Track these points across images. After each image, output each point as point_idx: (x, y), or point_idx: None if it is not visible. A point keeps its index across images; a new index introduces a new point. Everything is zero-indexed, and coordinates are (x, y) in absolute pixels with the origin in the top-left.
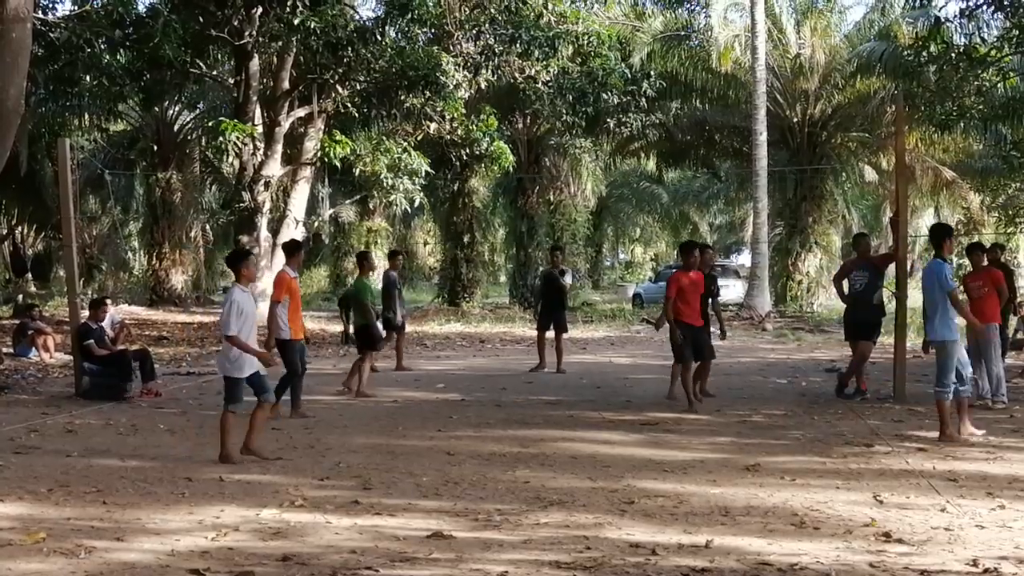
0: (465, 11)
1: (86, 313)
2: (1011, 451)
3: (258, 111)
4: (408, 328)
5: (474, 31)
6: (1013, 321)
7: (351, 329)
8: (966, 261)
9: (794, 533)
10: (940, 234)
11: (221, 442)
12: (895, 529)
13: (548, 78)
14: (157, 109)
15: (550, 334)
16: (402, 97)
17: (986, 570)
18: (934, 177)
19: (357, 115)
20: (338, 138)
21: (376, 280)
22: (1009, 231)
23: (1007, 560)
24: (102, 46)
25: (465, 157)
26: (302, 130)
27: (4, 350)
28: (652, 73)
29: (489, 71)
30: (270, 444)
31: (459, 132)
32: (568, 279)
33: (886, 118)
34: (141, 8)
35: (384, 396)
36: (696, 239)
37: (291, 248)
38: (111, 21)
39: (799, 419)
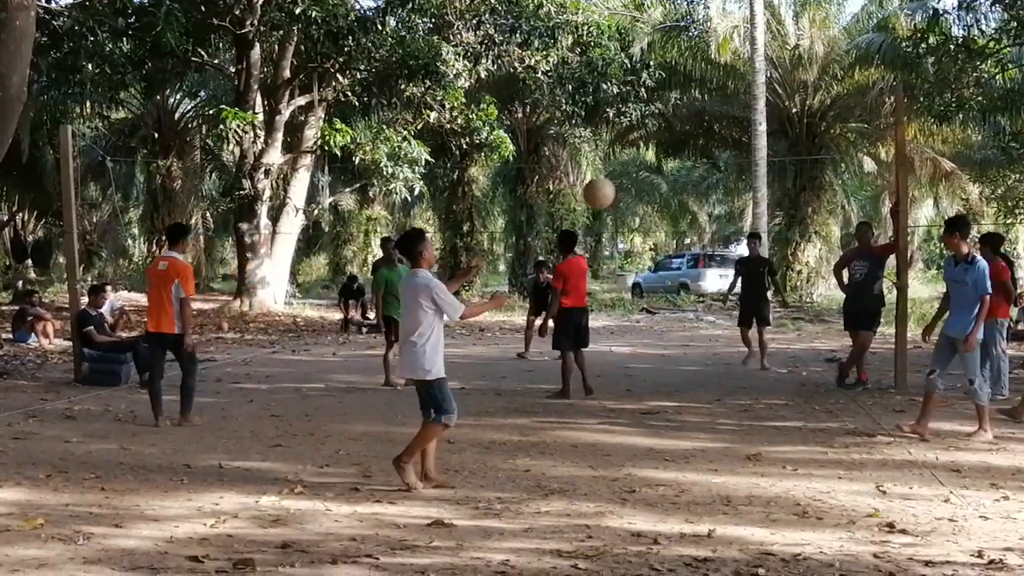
0: (465, 1)
1: (86, 300)
2: (1014, 442)
3: (259, 99)
4: None
5: (474, 21)
6: (1014, 312)
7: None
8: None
9: (797, 523)
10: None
11: (416, 452)
12: (899, 520)
13: (548, 68)
14: (158, 97)
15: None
16: (402, 86)
17: (991, 561)
18: (933, 168)
19: (357, 104)
20: (338, 126)
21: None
22: (1008, 221)
23: (1012, 551)
24: (105, 34)
25: (465, 146)
26: (302, 118)
27: (4, 336)
28: (651, 63)
29: (489, 60)
30: (269, 431)
31: (459, 121)
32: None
33: (885, 109)
34: None
35: (383, 383)
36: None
37: (180, 232)
38: (114, 9)
39: (800, 409)
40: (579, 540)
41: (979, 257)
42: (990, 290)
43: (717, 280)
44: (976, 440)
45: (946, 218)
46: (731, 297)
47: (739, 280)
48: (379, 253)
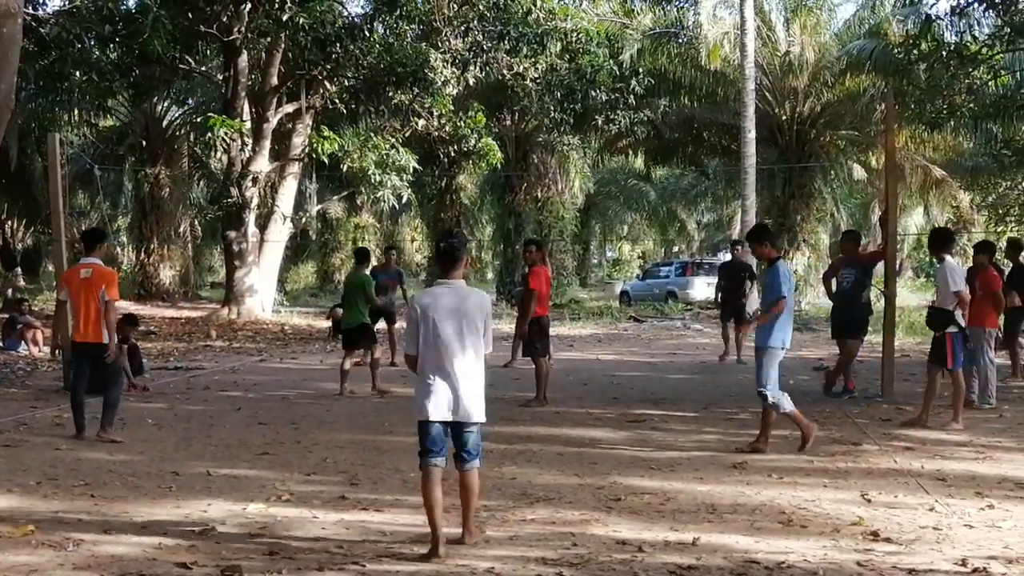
0: (453, 7)
1: None
2: (999, 451)
3: (246, 107)
4: (399, 324)
5: (462, 27)
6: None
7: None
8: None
9: (781, 531)
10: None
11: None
12: (883, 528)
13: (536, 75)
14: (146, 105)
15: None
16: (390, 93)
17: (975, 570)
18: (923, 176)
19: (345, 111)
20: (326, 134)
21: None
22: (999, 230)
23: (996, 560)
24: (92, 42)
25: (453, 154)
26: (290, 126)
27: None
28: (641, 70)
29: (477, 68)
30: (256, 439)
31: (447, 129)
32: None
33: (876, 116)
34: (131, 4)
35: (369, 392)
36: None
37: (97, 237)
38: (101, 17)
39: (786, 418)
40: (564, 548)
41: (780, 262)
42: (782, 293)
43: (705, 288)
44: (752, 448)
45: (751, 228)
46: (717, 302)
47: (720, 283)
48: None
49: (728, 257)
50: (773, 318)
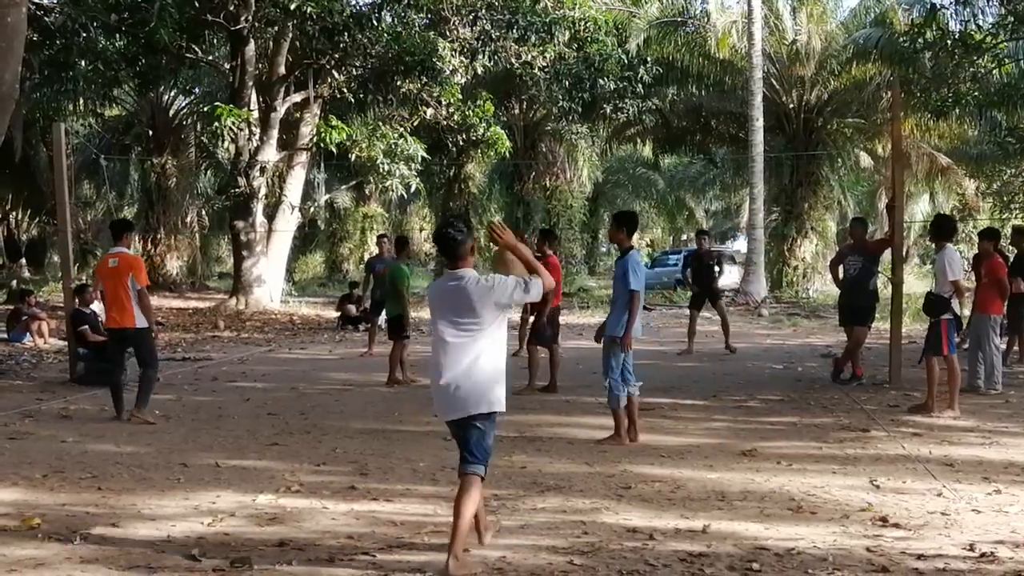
0: None
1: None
2: (1006, 436)
3: (254, 96)
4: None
5: (471, 16)
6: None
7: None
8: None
9: (791, 518)
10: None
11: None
12: (892, 514)
13: (545, 64)
14: (152, 94)
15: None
16: (398, 82)
17: (983, 554)
18: (929, 163)
19: (353, 100)
20: (334, 123)
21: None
22: (1004, 217)
23: (1003, 544)
24: (97, 31)
25: (461, 142)
26: (298, 115)
27: None
28: (648, 59)
29: (486, 56)
30: (265, 429)
31: (455, 117)
32: None
33: (882, 104)
34: None
35: (380, 381)
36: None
37: (124, 227)
38: (106, 5)
39: (795, 404)
40: (575, 536)
41: (634, 251)
42: (634, 285)
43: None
44: (608, 445)
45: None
46: (692, 288)
47: (690, 271)
48: (375, 250)
49: (694, 247)
50: (624, 313)
